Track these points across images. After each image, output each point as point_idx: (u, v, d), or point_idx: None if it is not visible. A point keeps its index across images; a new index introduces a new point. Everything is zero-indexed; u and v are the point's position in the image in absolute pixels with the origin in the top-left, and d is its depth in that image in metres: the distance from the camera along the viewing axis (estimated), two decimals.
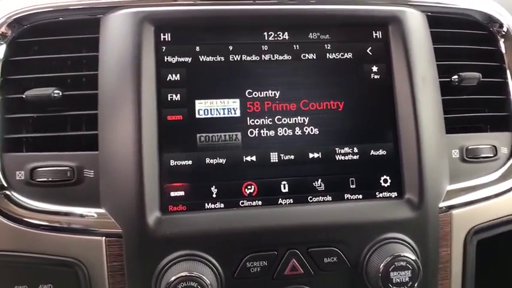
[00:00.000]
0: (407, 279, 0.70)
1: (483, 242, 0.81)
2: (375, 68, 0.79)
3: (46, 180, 0.71)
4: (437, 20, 0.86)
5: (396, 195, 0.76)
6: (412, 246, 0.73)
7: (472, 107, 0.87)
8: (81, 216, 0.71)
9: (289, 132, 0.76)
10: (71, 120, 0.76)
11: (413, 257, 0.70)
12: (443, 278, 0.78)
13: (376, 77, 0.79)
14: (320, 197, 0.75)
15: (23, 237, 0.70)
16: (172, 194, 0.71)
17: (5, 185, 0.71)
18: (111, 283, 0.70)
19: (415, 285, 0.70)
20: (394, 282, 0.69)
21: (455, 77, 0.85)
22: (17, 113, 0.75)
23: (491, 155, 0.84)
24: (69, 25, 0.78)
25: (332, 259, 0.72)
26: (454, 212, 0.79)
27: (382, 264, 0.69)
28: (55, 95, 0.74)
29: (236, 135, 0.74)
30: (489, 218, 0.81)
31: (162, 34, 0.74)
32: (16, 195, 0.71)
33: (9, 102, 0.75)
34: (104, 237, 0.70)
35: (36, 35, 0.77)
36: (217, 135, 0.74)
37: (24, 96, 0.74)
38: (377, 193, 0.76)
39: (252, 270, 0.70)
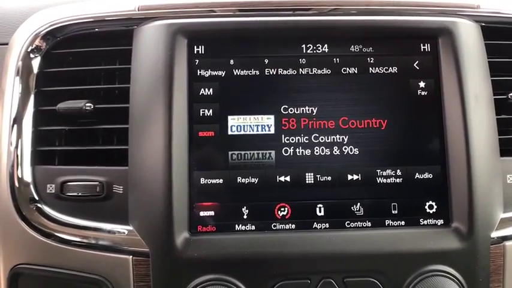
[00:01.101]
0: None
1: None
2: (422, 84, 0.73)
3: (76, 195, 0.70)
4: (493, 31, 0.79)
5: (442, 223, 0.70)
6: (459, 281, 0.66)
7: None
8: (110, 232, 0.69)
9: (327, 151, 0.71)
10: (103, 134, 0.75)
11: None
12: None
13: (423, 93, 0.73)
14: (358, 223, 0.70)
15: (51, 252, 0.69)
16: (202, 213, 0.69)
17: (37, 198, 0.71)
18: None
19: None
20: None
21: None
22: (49, 126, 0.75)
23: None
24: (103, 36, 0.77)
25: None
26: (508, 243, 0.71)
27: None
28: (87, 107, 0.73)
29: (270, 153, 0.71)
30: None
31: (195, 47, 0.72)
32: (46, 209, 0.71)
33: (42, 114, 0.75)
34: (131, 256, 0.68)
35: (70, 47, 0.77)
36: (250, 153, 0.70)
37: (56, 108, 0.73)
38: (421, 220, 0.70)
39: None
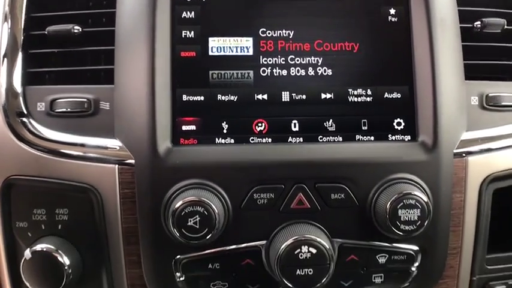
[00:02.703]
0: (416, 217, 0.69)
1: (499, 193, 0.79)
2: (392, 11, 0.77)
3: (65, 111, 0.74)
4: None
5: (409, 138, 0.75)
6: (423, 188, 0.71)
7: (495, 56, 0.84)
8: (97, 144, 0.73)
9: (302, 72, 0.76)
10: (90, 56, 0.79)
11: (423, 196, 0.69)
12: (455, 225, 0.77)
13: (393, 19, 0.77)
14: (330, 137, 0.74)
15: (42, 164, 0.73)
16: (184, 127, 0.73)
17: (25, 112, 0.75)
18: (122, 209, 0.72)
19: (424, 224, 0.69)
20: (402, 220, 0.68)
21: (478, 22, 0.82)
22: (39, 48, 0.78)
23: None
24: None
25: (339, 196, 0.71)
26: (470, 158, 0.77)
27: (390, 201, 0.68)
28: (75, 30, 0.77)
29: (248, 73, 0.75)
30: (507, 167, 0.78)
31: None
32: (37, 125, 0.75)
33: (32, 38, 0.78)
34: (117, 165, 0.72)
35: None
36: (230, 73, 0.75)
37: (46, 32, 0.77)
38: (389, 135, 0.75)
39: (259, 202, 0.70)
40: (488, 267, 0.80)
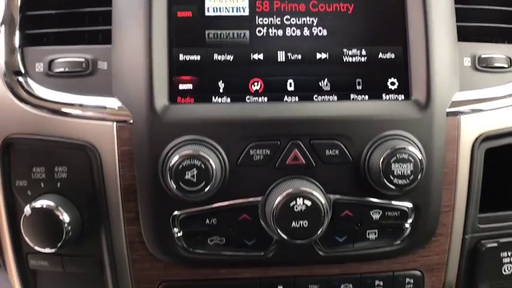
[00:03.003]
0: (409, 172, 0.70)
1: (492, 153, 0.81)
2: None
3: (63, 71, 0.75)
4: None
5: (403, 98, 0.76)
6: (416, 144, 0.73)
7: (488, 19, 0.85)
8: (95, 104, 0.74)
9: (298, 32, 0.76)
10: (88, 17, 0.79)
11: (416, 151, 0.70)
12: (448, 183, 0.78)
13: None
14: (325, 96, 0.76)
15: (41, 122, 0.74)
16: (181, 86, 0.74)
17: (22, 71, 0.76)
18: (120, 167, 0.73)
19: (417, 178, 0.70)
20: (395, 174, 0.70)
21: None
22: (37, 10, 0.79)
23: (506, 66, 0.82)
24: None
25: (334, 152, 0.73)
26: (463, 117, 0.78)
27: (383, 156, 0.70)
28: None
29: (244, 33, 0.76)
30: (499, 127, 0.80)
31: None
32: (36, 85, 0.76)
33: (30, 0, 0.79)
34: (115, 123, 0.73)
35: None
36: (226, 33, 0.75)
37: None
38: (383, 95, 0.77)
39: (255, 158, 0.72)
40: (480, 226, 0.82)
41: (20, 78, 0.75)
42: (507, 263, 0.83)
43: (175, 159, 0.68)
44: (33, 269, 0.79)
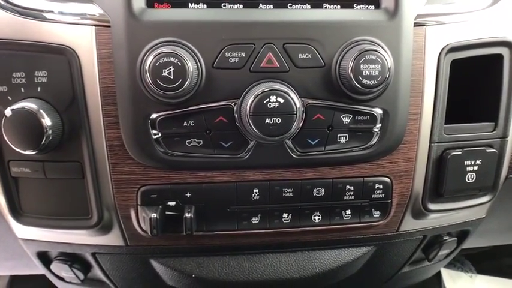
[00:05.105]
0: (377, 72, 0.73)
1: (459, 65, 0.85)
2: None
3: None
4: None
5: (373, 8, 0.80)
6: (384, 49, 0.76)
7: None
8: (74, 9, 0.75)
9: None
10: None
11: (384, 53, 0.74)
12: (415, 91, 0.82)
13: None
14: (299, 5, 0.78)
15: (20, 27, 0.75)
16: None
17: None
18: (99, 70, 0.75)
19: (385, 79, 0.74)
20: (364, 74, 0.73)
21: None
22: None
23: None
24: None
25: (306, 55, 0.75)
26: (429, 28, 0.81)
27: (353, 57, 0.73)
28: None
29: None
30: (463, 39, 0.83)
31: None
32: None
33: None
34: (93, 27, 0.75)
35: None
36: None
37: None
38: (354, 5, 0.80)
39: (231, 60, 0.74)
40: (446, 135, 0.86)
41: None
42: (470, 171, 0.88)
43: (152, 56, 0.70)
44: (15, 177, 0.81)
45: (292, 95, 0.73)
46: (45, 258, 0.96)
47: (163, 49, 0.70)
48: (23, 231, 0.89)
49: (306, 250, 0.94)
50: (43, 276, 1.05)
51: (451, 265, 1.93)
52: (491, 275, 1.89)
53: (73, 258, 0.94)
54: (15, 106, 0.73)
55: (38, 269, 1.01)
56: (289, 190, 0.83)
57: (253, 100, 0.72)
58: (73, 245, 0.89)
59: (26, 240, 0.91)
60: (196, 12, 0.76)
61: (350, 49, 0.75)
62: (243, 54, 0.75)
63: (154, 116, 0.75)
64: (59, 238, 0.88)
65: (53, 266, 0.96)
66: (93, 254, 0.91)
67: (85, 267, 0.96)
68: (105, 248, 0.89)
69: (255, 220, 0.85)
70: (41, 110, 0.74)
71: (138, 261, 0.91)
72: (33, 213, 0.84)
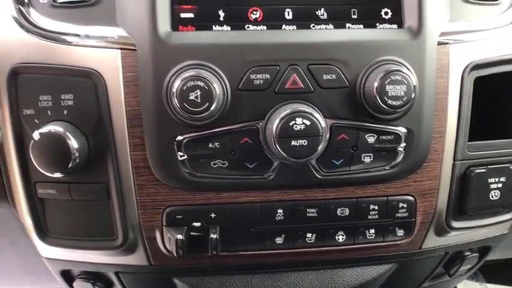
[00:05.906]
0: (402, 93, 0.74)
1: (482, 83, 0.84)
2: None
3: (67, 1, 0.77)
4: None
5: (396, 27, 0.80)
6: (408, 68, 0.76)
7: None
8: (100, 32, 0.76)
9: None
10: None
11: (409, 73, 0.74)
12: (439, 110, 0.82)
13: None
14: (322, 25, 0.79)
15: (47, 51, 0.76)
16: (182, 15, 0.76)
17: (26, 1, 0.77)
18: (125, 93, 0.76)
19: (411, 99, 0.74)
20: (389, 95, 0.73)
21: None
22: None
23: None
24: None
25: (331, 76, 0.76)
26: (453, 46, 0.81)
27: (378, 78, 0.73)
28: None
29: None
30: (487, 56, 0.83)
31: None
32: (40, 16, 0.77)
33: None
34: (119, 50, 0.75)
35: None
36: None
37: None
38: (377, 24, 0.80)
39: (256, 82, 0.75)
40: (470, 152, 0.86)
41: (25, 9, 0.77)
42: (494, 188, 0.88)
43: (179, 81, 0.71)
44: (41, 198, 0.82)
45: (317, 116, 0.74)
46: (68, 276, 0.97)
47: (190, 72, 0.71)
48: (47, 250, 0.89)
49: (328, 268, 0.93)
50: None
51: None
52: (503, 284, 1.88)
53: (96, 277, 0.95)
54: (43, 130, 0.74)
55: (60, 284, 1.01)
56: (313, 210, 0.83)
57: (279, 122, 0.72)
58: (97, 264, 0.90)
59: (50, 259, 0.92)
60: (221, 35, 0.76)
61: (375, 69, 0.75)
62: (268, 76, 0.75)
63: (180, 138, 0.76)
64: (82, 258, 0.89)
65: (75, 284, 0.96)
66: (117, 273, 0.91)
67: (108, 285, 0.96)
68: (128, 267, 0.89)
69: (279, 240, 0.85)
70: (67, 133, 0.74)
71: (162, 280, 0.91)
72: (59, 234, 0.84)
